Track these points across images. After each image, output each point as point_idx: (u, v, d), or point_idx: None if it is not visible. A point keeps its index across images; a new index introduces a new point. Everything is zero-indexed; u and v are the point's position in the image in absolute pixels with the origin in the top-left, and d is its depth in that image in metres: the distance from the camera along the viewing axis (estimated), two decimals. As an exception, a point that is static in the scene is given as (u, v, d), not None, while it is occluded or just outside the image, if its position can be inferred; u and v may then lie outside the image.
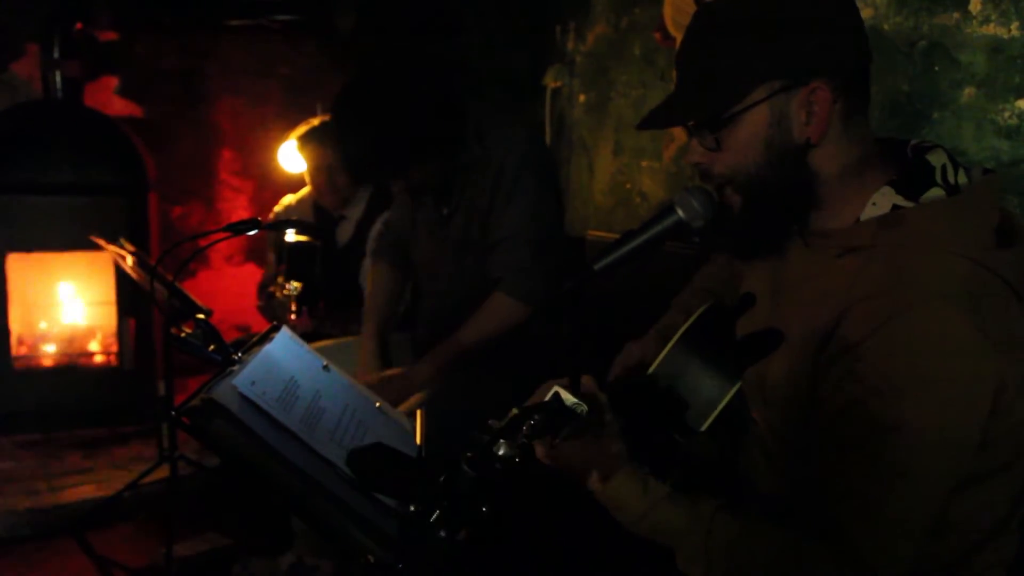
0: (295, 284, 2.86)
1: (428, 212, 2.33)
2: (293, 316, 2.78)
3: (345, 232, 3.11)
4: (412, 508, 0.93)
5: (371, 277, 2.57)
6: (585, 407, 1.08)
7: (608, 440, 1.21)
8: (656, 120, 1.19)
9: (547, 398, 1.09)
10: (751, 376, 1.22)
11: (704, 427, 1.26)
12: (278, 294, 2.88)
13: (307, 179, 3.15)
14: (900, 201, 1.11)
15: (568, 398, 1.09)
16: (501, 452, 0.96)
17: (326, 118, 3.10)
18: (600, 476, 1.19)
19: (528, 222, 2.15)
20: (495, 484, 0.92)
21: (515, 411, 1.02)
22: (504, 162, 2.15)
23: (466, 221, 2.21)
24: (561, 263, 2.20)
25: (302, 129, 3.07)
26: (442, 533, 0.90)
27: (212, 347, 1.36)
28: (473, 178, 2.18)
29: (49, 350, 3.68)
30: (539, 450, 1.18)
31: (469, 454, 0.94)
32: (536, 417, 1.00)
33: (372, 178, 2.97)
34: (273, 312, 2.93)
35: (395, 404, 1.82)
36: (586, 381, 1.26)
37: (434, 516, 0.90)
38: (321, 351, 1.53)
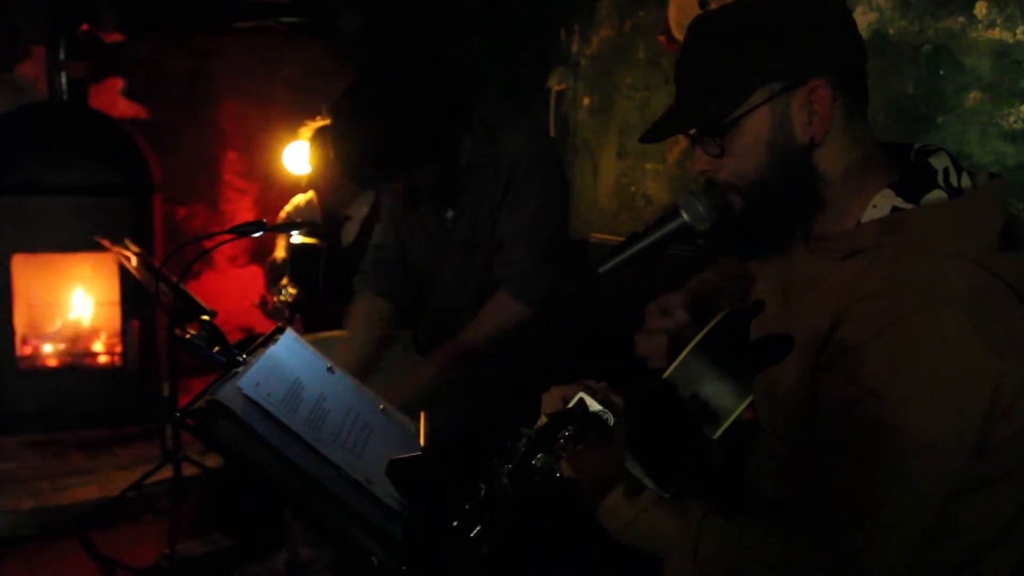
0: (291, 291, 2.86)
1: (427, 217, 2.31)
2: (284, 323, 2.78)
3: (350, 233, 3.11)
4: (455, 524, 0.91)
5: (353, 311, 2.38)
6: (611, 414, 1.07)
7: (616, 449, 1.16)
8: (659, 131, 1.19)
9: (571, 404, 1.07)
10: (760, 380, 1.22)
11: (717, 435, 1.26)
12: (276, 299, 2.90)
13: (312, 176, 3.15)
14: (900, 203, 1.11)
15: (593, 404, 1.06)
16: (540, 464, 0.94)
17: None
18: (605, 485, 1.14)
19: (535, 223, 2.14)
20: (533, 497, 0.91)
21: (545, 419, 1.00)
22: (517, 159, 2.13)
23: (474, 221, 2.20)
24: (564, 266, 2.20)
25: (316, 124, 3.09)
26: (484, 549, 0.89)
27: (216, 348, 1.36)
28: (482, 176, 2.16)
29: (53, 351, 3.68)
30: None
31: (509, 466, 0.92)
32: (570, 427, 0.99)
33: (370, 177, 2.92)
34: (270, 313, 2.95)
35: (397, 403, 1.82)
36: (602, 387, 1.23)
37: (475, 531, 0.89)
38: (323, 343, 1.52)
